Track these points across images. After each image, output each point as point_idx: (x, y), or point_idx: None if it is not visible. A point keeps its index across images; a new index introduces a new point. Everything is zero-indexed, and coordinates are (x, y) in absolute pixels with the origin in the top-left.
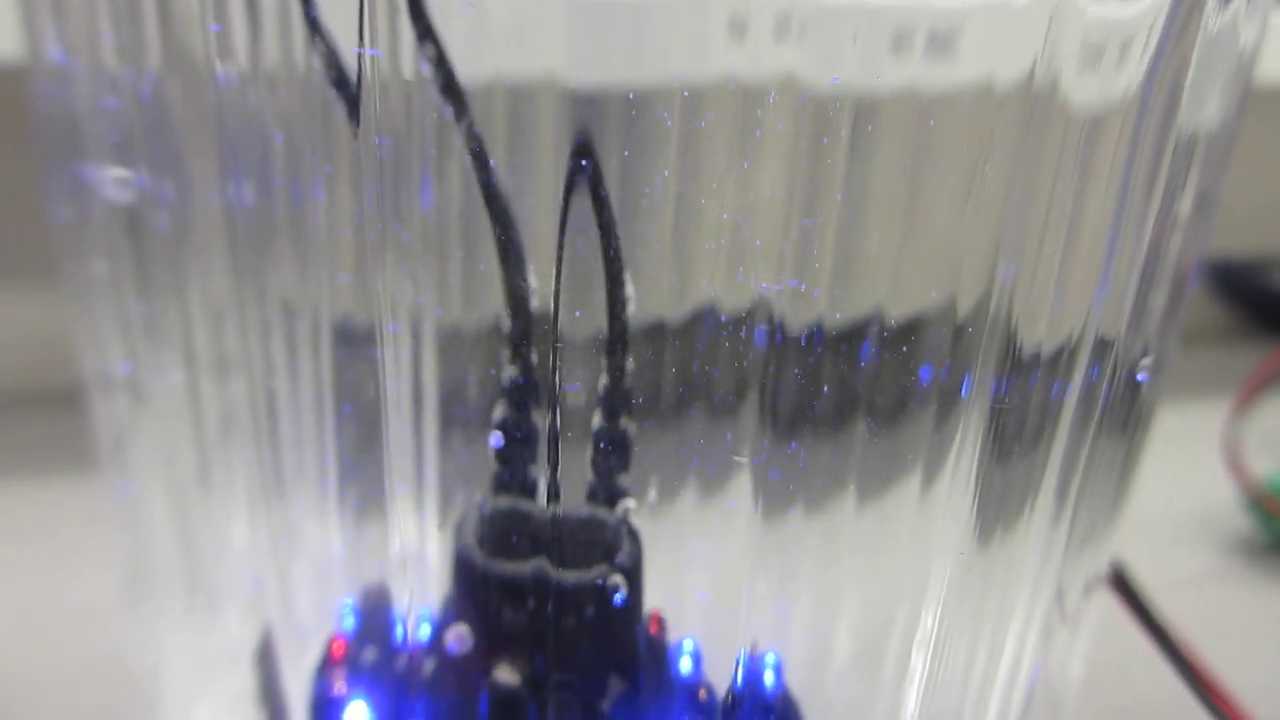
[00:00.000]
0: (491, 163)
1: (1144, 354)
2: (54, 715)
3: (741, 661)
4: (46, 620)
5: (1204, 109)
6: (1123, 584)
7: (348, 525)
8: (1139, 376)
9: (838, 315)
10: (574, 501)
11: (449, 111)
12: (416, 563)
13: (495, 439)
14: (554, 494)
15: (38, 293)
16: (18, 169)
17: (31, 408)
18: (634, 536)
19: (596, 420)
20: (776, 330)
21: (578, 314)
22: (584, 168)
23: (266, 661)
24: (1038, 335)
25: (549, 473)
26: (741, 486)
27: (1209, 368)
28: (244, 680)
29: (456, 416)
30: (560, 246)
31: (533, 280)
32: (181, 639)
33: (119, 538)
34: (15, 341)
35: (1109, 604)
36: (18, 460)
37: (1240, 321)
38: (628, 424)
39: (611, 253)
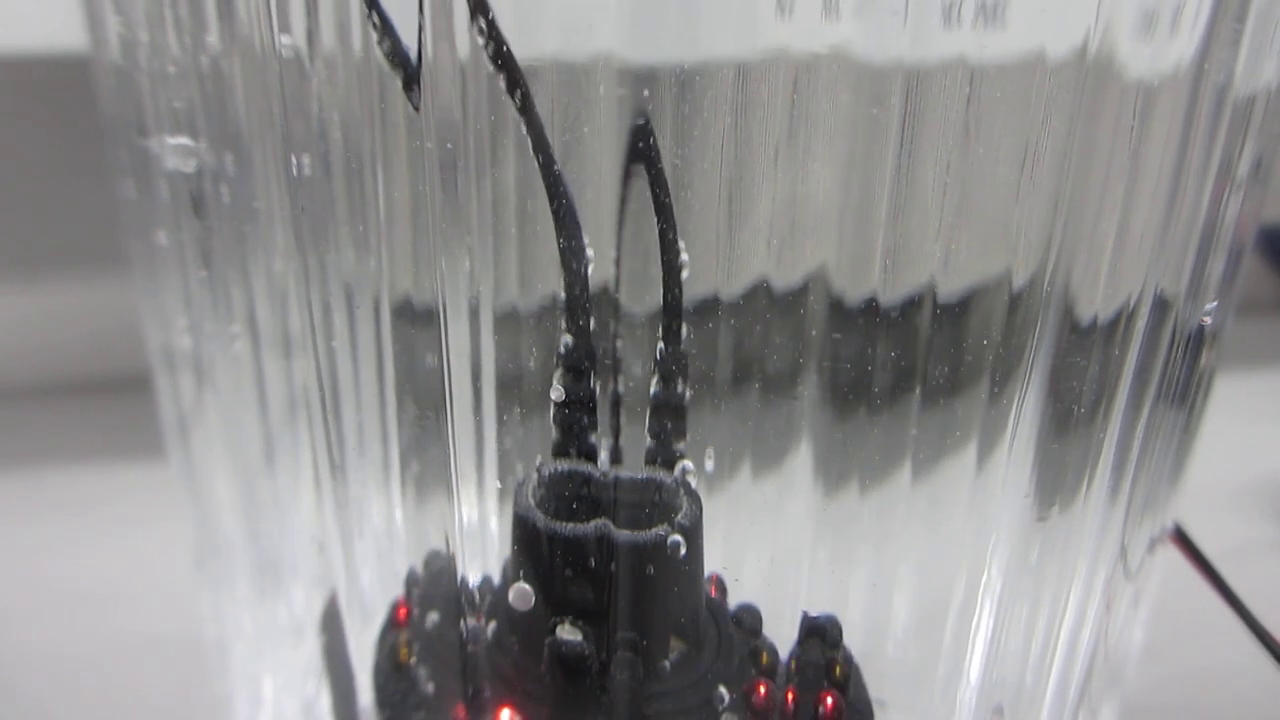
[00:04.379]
0: (545, 132)
1: (1205, 310)
2: (100, 695)
3: (802, 623)
4: (97, 601)
5: (1261, 73)
6: (1186, 542)
7: (409, 500)
8: (1203, 318)
9: (893, 288)
10: (632, 465)
11: (506, 89)
12: (478, 533)
13: (556, 392)
14: (616, 458)
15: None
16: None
17: (77, 396)
18: (693, 497)
19: (654, 386)
20: (832, 304)
21: (635, 283)
22: (644, 150)
23: (332, 628)
24: (1095, 302)
25: (611, 437)
26: (802, 461)
27: (1266, 338)
28: (309, 651)
29: (516, 388)
30: (620, 223)
31: (589, 250)
32: (248, 614)
33: (187, 515)
34: (79, 331)
35: (1169, 572)
36: (63, 446)
37: None
38: (683, 388)
39: (666, 220)
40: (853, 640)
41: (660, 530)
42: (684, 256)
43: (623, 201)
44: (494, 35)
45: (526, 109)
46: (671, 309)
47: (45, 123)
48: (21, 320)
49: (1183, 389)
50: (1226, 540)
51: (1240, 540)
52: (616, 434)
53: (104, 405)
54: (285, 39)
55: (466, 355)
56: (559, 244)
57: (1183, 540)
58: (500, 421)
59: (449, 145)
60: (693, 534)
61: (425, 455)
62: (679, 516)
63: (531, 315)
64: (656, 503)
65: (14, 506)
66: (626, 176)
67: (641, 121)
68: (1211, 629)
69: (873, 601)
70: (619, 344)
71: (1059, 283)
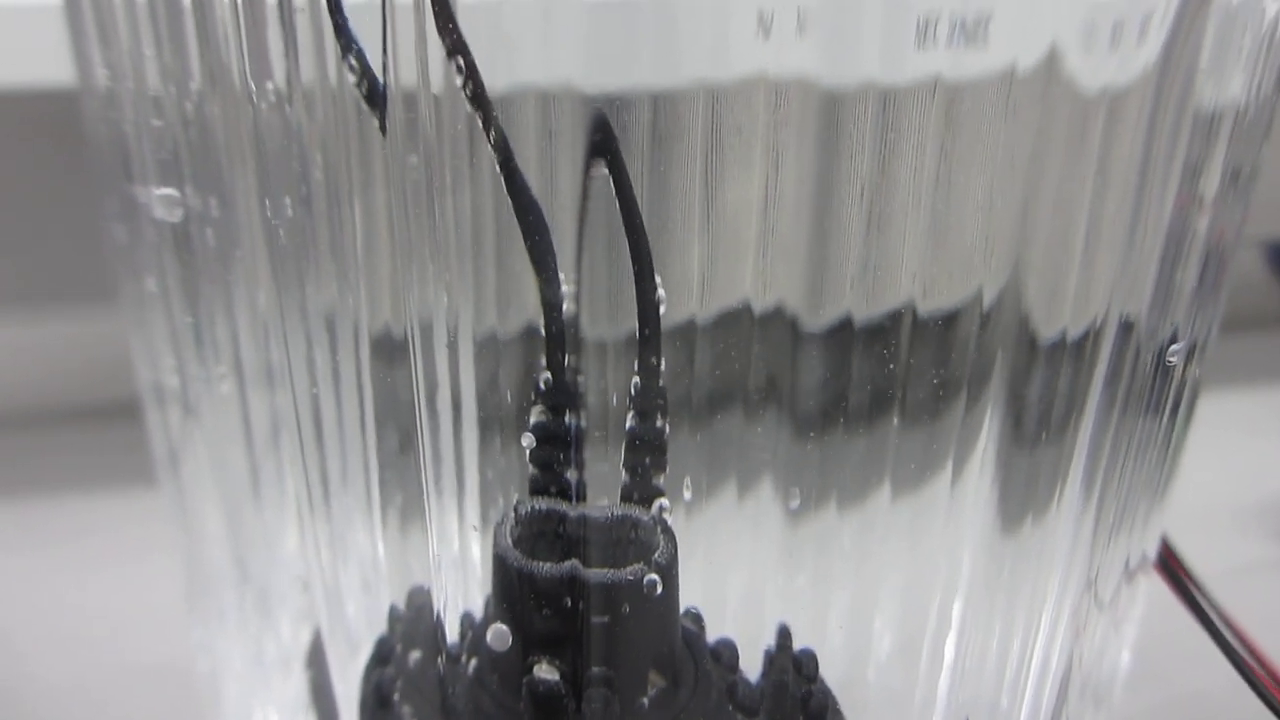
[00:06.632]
0: (520, 170)
1: (1173, 337)
2: None
3: (771, 657)
4: (88, 630)
5: (1227, 85)
6: (1171, 570)
7: (392, 531)
8: (1169, 358)
9: (867, 309)
10: (609, 501)
11: (478, 121)
12: (459, 565)
13: (527, 439)
14: (580, 494)
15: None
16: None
17: (72, 424)
18: (669, 534)
19: (630, 421)
20: (805, 326)
21: (611, 316)
22: (602, 148)
23: (318, 663)
24: (1062, 319)
25: (576, 473)
26: (776, 484)
27: (1274, 354)
28: (298, 684)
29: (494, 421)
30: (579, 242)
31: (565, 285)
32: (237, 646)
33: (178, 546)
34: (76, 359)
35: (1162, 594)
36: (58, 474)
37: None
38: (661, 424)
39: (640, 251)
40: (832, 664)
41: (636, 569)
42: (660, 292)
43: (581, 219)
44: (471, 74)
45: (502, 149)
46: (647, 343)
47: (49, 152)
48: (27, 347)
49: (1155, 405)
50: (1229, 560)
51: (1243, 560)
52: (581, 468)
53: (113, 431)
54: (267, 84)
55: (446, 387)
56: (538, 285)
57: (1167, 571)
58: (481, 454)
59: (424, 177)
60: (667, 571)
61: (408, 489)
62: (655, 555)
63: (511, 346)
64: (633, 540)
65: (15, 533)
66: (587, 171)
67: (599, 118)
68: (1207, 654)
69: (852, 625)
70: (581, 378)
71: (1026, 300)
